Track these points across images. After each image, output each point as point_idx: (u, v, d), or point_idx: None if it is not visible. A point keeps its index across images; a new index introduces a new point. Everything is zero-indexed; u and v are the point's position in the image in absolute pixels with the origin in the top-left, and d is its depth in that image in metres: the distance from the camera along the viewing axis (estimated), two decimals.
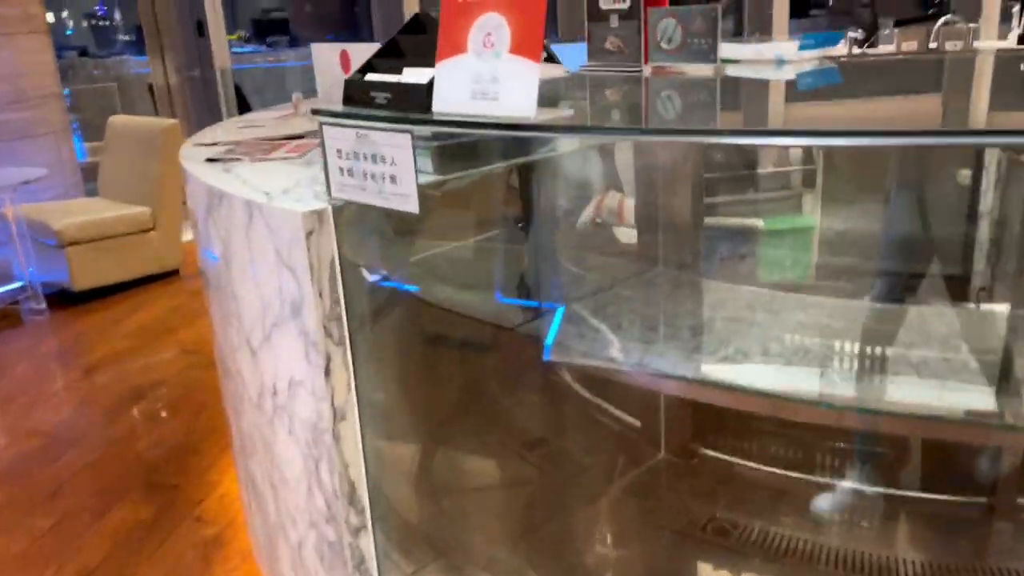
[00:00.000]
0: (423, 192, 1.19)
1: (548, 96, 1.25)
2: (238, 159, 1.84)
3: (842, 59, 1.86)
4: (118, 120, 5.11)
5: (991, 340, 1.56)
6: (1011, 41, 3.95)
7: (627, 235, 2.13)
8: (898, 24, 3.85)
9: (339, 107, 1.30)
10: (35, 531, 2.44)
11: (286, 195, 1.45)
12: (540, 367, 1.98)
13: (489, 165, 1.64)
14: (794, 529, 1.83)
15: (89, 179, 5.96)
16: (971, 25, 3.84)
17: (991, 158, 1.94)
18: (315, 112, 1.31)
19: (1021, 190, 1.87)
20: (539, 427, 2.13)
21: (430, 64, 1.27)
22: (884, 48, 2.87)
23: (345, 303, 1.41)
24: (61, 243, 4.39)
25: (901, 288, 1.83)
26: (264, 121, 2.59)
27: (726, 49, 1.62)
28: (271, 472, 1.72)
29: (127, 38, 8.54)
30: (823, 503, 1.93)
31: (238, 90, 6.76)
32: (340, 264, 1.39)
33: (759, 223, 2.29)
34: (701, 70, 1.58)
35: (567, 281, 1.82)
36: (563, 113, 1.12)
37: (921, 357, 1.44)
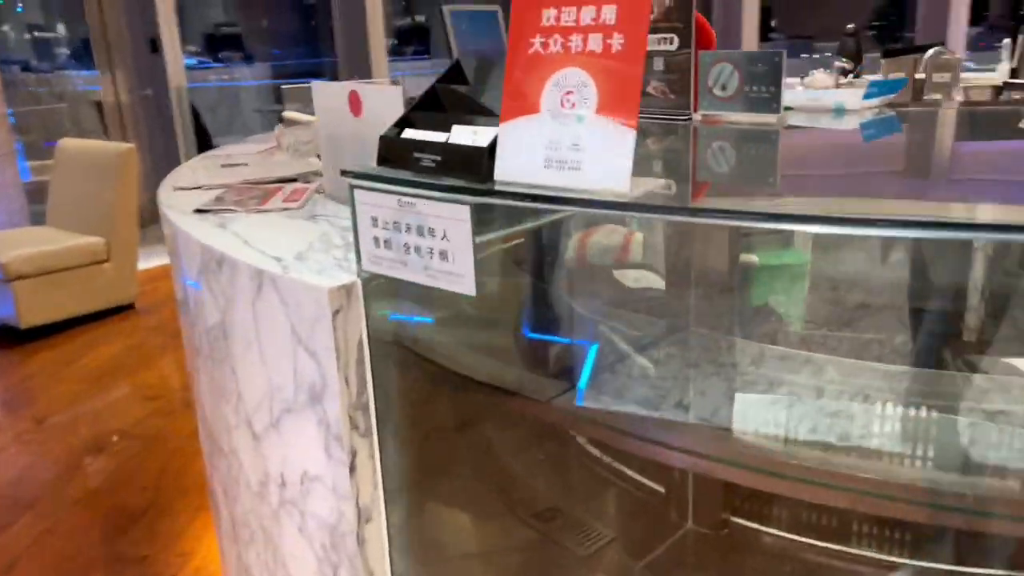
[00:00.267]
0: None
1: None
2: (231, 210, 1.64)
3: (899, 109, 1.74)
4: (69, 144, 4.79)
5: None
6: (1001, 74, 3.94)
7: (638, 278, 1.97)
8: (886, 55, 3.79)
9: (373, 167, 1.12)
10: None
11: (301, 263, 1.26)
12: (569, 438, 1.81)
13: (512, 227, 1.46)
14: None
15: (33, 201, 5.61)
16: (958, 56, 3.81)
17: None
18: (344, 173, 1.12)
19: None
20: (581, 510, 1.94)
21: (478, 121, 1.10)
22: (872, 78, 2.76)
23: (373, 389, 1.22)
24: (7, 277, 4.07)
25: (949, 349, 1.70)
26: (245, 156, 2.38)
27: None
28: (274, 569, 1.51)
29: (68, 51, 8.15)
30: None
31: (194, 111, 6.45)
32: (369, 345, 1.20)
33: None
34: (758, 119, 1.44)
35: (602, 342, 1.65)
36: (658, 183, 0.95)
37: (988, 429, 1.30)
